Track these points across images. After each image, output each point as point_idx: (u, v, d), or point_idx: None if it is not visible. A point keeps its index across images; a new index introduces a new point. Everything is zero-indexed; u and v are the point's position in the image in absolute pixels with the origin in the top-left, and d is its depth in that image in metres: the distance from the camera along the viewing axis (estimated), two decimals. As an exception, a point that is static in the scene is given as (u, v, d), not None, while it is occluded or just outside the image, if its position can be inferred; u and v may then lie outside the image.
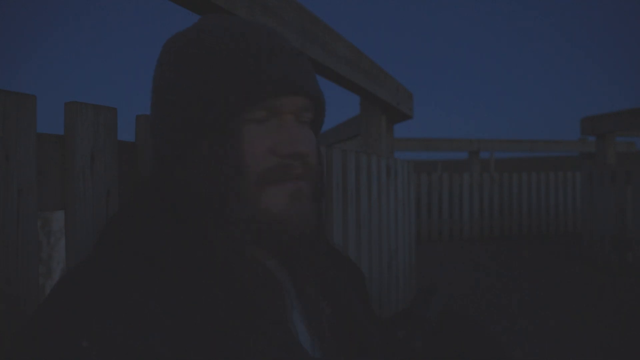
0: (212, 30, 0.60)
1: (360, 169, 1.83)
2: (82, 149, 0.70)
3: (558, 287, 4.01)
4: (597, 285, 4.07)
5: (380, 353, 0.65)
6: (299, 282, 0.63)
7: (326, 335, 0.62)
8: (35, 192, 0.64)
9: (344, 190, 1.68)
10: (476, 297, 3.74)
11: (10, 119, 0.61)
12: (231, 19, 0.63)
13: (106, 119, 0.73)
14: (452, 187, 6.95)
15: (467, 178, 7.04)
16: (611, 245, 4.74)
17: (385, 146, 2.70)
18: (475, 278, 4.40)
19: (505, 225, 7.14)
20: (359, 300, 0.70)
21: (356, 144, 4.32)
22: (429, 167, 12.37)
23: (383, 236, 2.13)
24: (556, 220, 7.29)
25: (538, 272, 4.59)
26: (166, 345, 0.47)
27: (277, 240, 0.58)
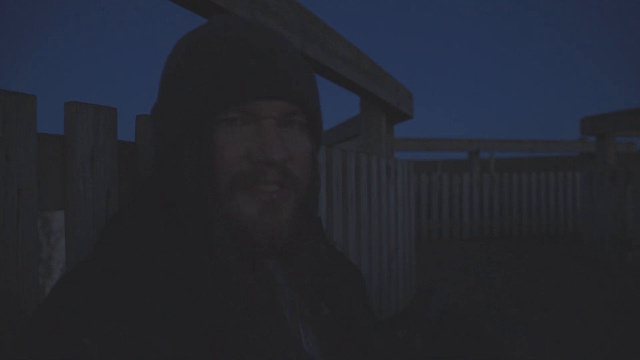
0: (210, 32, 0.60)
1: (360, 169, 1.83)
2: (82, 149, 0.70)
3: (558, 287, 4.01)
4: (597, 285, 4.07)
5: (380, 353, 0.65)
6: (298, 282, 0.63)
7: (325, 335, 0.63)
8: (35, 192, 0.64)
9: (344, 191, 1.68)
10: (476, 297, 3.74)
11: (10, 119, 0.61)
12: (234, 21, 0.63)
13: (106, 119, 0.73)
14: (452, 187, 6.95)
15: (467, 178, 7.04)
16: (611, 245, 4.74)
17: (385, 146, 2.70)
18: (475, 278, 4.40)
19: (505, 225, 7.14)
20: (358, 301, 0.70)
21: (356, 144, 4.32)
22: (429, 167, 12.36)
23: (383, 236, 2.13)
24: (556, 220, 7.29)
25: (538, 272, 4.59)
26: (166, 345, 0.47)
27: (247, 248, 0.57)
